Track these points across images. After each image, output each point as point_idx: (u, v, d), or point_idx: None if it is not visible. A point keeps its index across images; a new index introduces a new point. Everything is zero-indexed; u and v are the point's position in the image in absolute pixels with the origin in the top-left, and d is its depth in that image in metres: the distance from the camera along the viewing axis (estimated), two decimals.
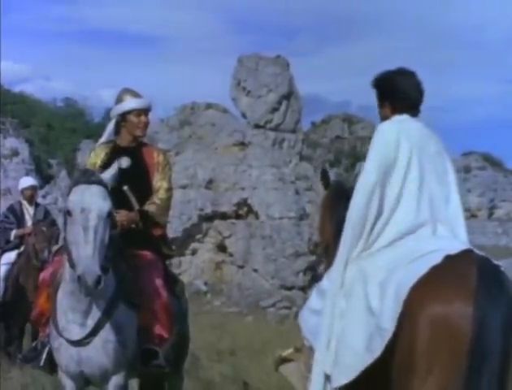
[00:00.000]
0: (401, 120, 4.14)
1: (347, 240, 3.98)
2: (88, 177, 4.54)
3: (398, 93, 4.16)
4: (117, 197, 5.08)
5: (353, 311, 3.78)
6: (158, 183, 5.32)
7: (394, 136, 4.04)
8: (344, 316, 3.84)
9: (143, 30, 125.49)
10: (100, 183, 4.53)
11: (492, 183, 41.92)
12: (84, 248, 4.26)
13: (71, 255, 4.40)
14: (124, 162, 5.23)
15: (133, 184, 5.15)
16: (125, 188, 5.12)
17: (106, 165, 5.17)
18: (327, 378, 3.88)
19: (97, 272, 4.19)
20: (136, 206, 5.19)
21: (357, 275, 3.85)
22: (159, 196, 5.29)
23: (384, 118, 4.24)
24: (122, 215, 5.03)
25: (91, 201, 4.39)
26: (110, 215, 4.47)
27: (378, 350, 3.58)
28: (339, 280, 3.94)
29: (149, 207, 5.23)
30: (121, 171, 5.02)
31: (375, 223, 3.96)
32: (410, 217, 3.96)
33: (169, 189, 5.37)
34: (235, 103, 23.52)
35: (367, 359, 3.63)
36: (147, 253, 5.16)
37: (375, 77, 4.28)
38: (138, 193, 5.18)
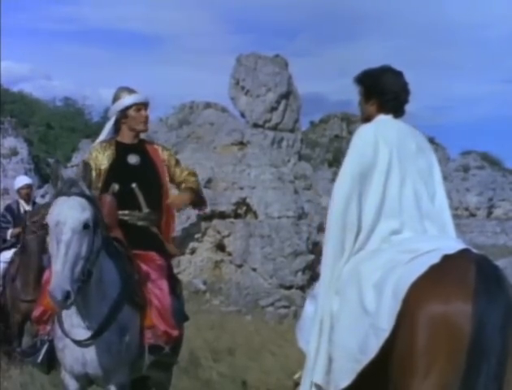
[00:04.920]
0: (381, 121, 4.11)
1: (329, 248, 3.97)
2: (68, 188, 4.44)
3: (388, 92, 4.10)
4: (125, 195, 5.13)
5: (346, 313, 3.77)
6: (184, 173, 5.49)
7: (372, 140, 4.00)
8: (337, 318, 3.82)
9: (142, 30, 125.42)
10: (80, 194, 4.43)
11: (491, 182, 41.85)
12: (55, 263, 4.23)
13: None
14: (133, 158, 5.29)
15: (142, 181, 5.20)
16: (134, 185, 5.16)
17: (115, 163, 5.24)
18: (316, 387, 3.85)
19: (66, 288, 4.13)
20: (144, 205, 5.22)
21: (351, 276, 3.84)
22: (191, 179, 5.49)
23: (367, 115, 4.19)
24: (175, 198, 5.32)
25: (67, 214, 4.31)
26: (87, 226, 4.35)
27: (373, 351, 3.56)
28: (327, 285, 3.93)
29: (192, 184, 5.45)
30: (130, 168, 5.10)
31: (358, 232, 3.94)
32: (394, 221, 3.95)
33: (194, 173, 5.62)
34: (234, 102, 23.51)
35: (362, 360, 3.61)
36: (154, 254, 5.16)
37: (362, 73, 4.20)
38: (147, 191, 5.23)
